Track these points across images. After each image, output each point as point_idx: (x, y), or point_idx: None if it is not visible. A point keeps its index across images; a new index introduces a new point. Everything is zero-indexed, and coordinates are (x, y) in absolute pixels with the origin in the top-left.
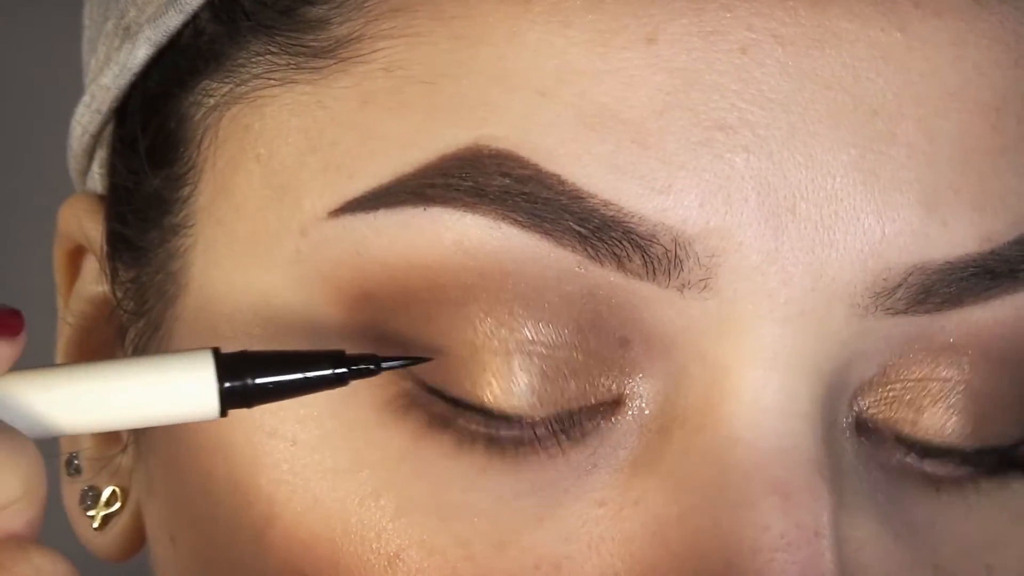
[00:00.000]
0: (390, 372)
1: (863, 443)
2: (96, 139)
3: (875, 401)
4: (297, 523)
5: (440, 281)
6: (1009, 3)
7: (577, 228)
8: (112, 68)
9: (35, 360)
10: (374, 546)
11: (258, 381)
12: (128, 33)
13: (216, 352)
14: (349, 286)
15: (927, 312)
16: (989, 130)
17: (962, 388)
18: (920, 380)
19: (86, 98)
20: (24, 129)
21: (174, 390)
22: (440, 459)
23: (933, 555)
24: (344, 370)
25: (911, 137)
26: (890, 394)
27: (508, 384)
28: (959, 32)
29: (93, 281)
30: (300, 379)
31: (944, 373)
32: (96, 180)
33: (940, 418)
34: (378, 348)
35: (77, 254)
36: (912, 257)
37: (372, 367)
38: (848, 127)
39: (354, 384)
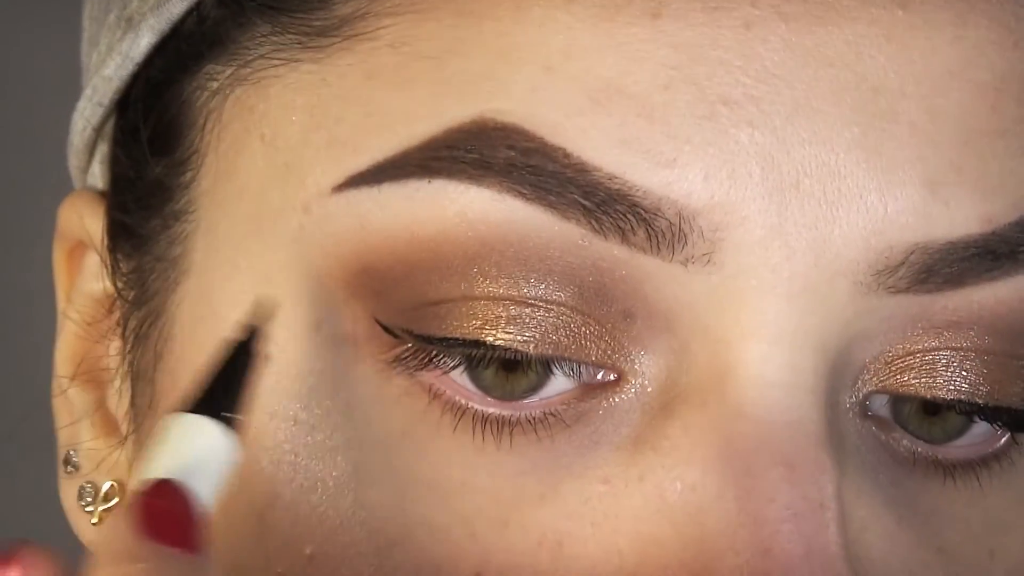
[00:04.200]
0: (387, 349)
1: (867, 425)
2: (98, 133)
3: (881, 378)
4: (299, 502)
5: (442, 251)
6: None
7: (582, 201)
8: (115, 59)
9: (36, 360)
10: (377, 525)
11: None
12: (131, 23)
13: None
14: (351, 260)
15: (929, 292)
16: (988, 110)
17: (973, 356)
18: (930, 350)
19: (88, 91)
20: (24, 129)
21: (206, 457)
22: (439, 438)
23: (937, 538)
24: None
25: (913, 115)
26: (899, 367)
27: (509, 355)
28: (959, 12)
29: (95, 278)
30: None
31: (954, 343)
32: (97, 176)
33: (953, 379)
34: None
35: (78, 251)
36: (914, 236)
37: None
38: (851, 104)
39: (352, 364)
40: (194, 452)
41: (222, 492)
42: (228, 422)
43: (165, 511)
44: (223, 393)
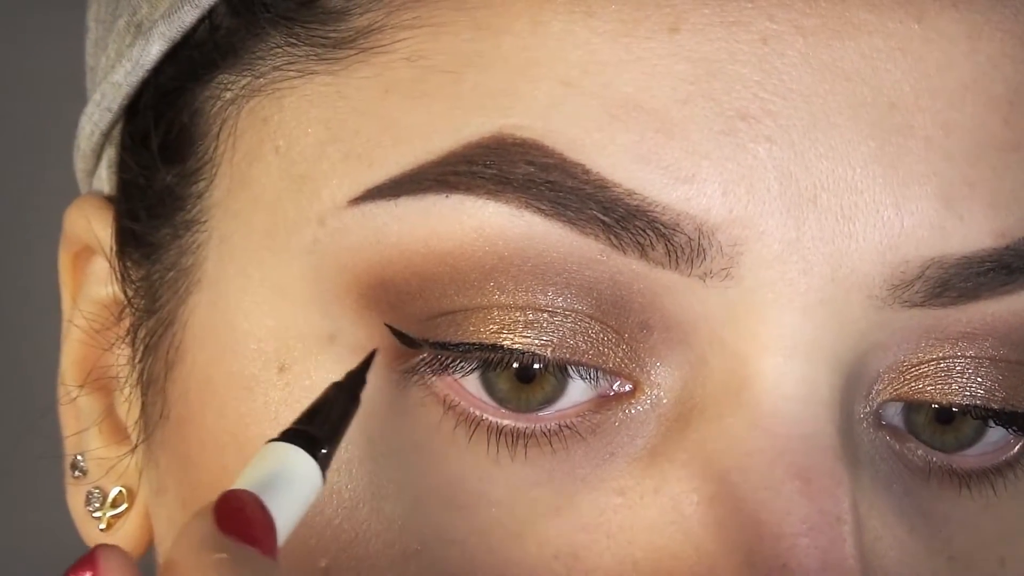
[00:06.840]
0: (402, 360)
1: (881, 435)
2: (106, 137)
3: (896, 387)
4: (314, 516)
5: (460, 266)
6: None
7: (601, 217)
8: (124, 65)
9: (37, 356)
10: (392, 537)
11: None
12: (140, 30)
13: (288, 439)
14: (366, 274)
15: (943, 306)
16: (1001, 124)
17: (988, 363)
18: (944, 358)
19: (96, 96)
20: (26, 132)
21: (297, 489)
22: (454, 449)
23: (948, 547)
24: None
25: (928, 130)
26: (913, 375)
27: (527, 359)
28: (975, 24)
29: (101, 282)
30: (343, 424)
31: (969, 352)
32: (103, 181)
33: (969, 385)
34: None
35: (84, 256)
36: (930, 251)
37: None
38: (867, 119)
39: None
40: (278, 475)
41: (300, 516)
42: (317, 455)
43: (244, 514)
44: (319, 428)
